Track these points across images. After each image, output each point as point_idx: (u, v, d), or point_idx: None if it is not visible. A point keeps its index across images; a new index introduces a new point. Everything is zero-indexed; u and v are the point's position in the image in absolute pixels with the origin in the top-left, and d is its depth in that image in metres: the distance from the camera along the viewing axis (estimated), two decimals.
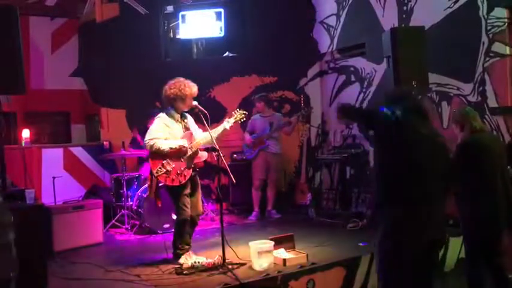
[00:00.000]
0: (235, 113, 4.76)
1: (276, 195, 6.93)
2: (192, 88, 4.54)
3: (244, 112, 4.80)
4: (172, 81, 4.55)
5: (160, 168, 4.36)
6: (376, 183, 3.12)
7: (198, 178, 4.70)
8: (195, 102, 4.54)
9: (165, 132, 4.46)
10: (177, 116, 4.59)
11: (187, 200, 4.46)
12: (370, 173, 6.50)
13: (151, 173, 4.45)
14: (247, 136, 6.84)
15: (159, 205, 4.61)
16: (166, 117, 4.54)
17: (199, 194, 4.72)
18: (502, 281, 3.62)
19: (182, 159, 4.45)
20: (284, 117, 7.04)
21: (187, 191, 4.50)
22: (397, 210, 2.93)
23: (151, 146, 4.36)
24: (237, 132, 7.61)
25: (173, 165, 4.39)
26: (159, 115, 4.58)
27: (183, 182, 4.42)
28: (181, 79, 4.56)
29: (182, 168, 4.43)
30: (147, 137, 4.42)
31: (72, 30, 9.15)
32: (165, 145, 4.36)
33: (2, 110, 4.14)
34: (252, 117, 6.99)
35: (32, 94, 8.09)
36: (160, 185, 4.57)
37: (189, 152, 4.47)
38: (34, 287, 3.64)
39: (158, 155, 4.38)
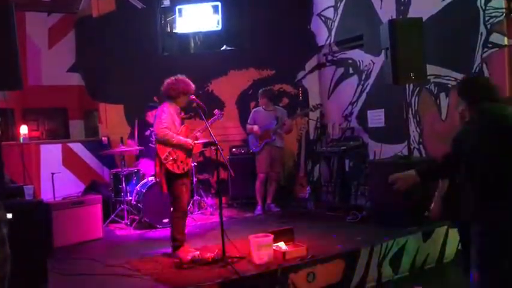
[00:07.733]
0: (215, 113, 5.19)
1: (276, 189, 6.94)
2: (189, 86, 4.70)
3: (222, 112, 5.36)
4: (173, 79, 4.69)
5: (168, 155, 4.54)
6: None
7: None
8: (193, 96, 4.67)
9: (171, 121, 4.61)
10: (178, 108, 4.75)
11: (184, 190, 4.61)
12: (368, 165, 6.48)
13: (159, 159, 4.56)
14: (255, 127, 6.71)
15: (165, 191, 4.64)
16: (172, 107, 4.68)
17: (189, 186, 4.89)
18: None
19: (183, 150, 4.64)
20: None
21: (185, 180, 4.65)
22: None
23: (164, 135, 4.52)
24: (236, 127, 7.62)
25: (178, 154, 4.60)
26: (165, 104, 4.69)
27: (186, 169, 4.64)
28: (181, 77, 4.70)
29: (184, 158, 4.65)
30: (159, 125, 4.55)
31: (68, 26, 9.10)
32: (174, 138, 4.55)
33: None
34: (254, 109, 6.96)
35: (30, 90, 8.08)
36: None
37: (191, 147, 4.69)
38: (34, 284, 3.66)
39: (166, 143, 4.55)
